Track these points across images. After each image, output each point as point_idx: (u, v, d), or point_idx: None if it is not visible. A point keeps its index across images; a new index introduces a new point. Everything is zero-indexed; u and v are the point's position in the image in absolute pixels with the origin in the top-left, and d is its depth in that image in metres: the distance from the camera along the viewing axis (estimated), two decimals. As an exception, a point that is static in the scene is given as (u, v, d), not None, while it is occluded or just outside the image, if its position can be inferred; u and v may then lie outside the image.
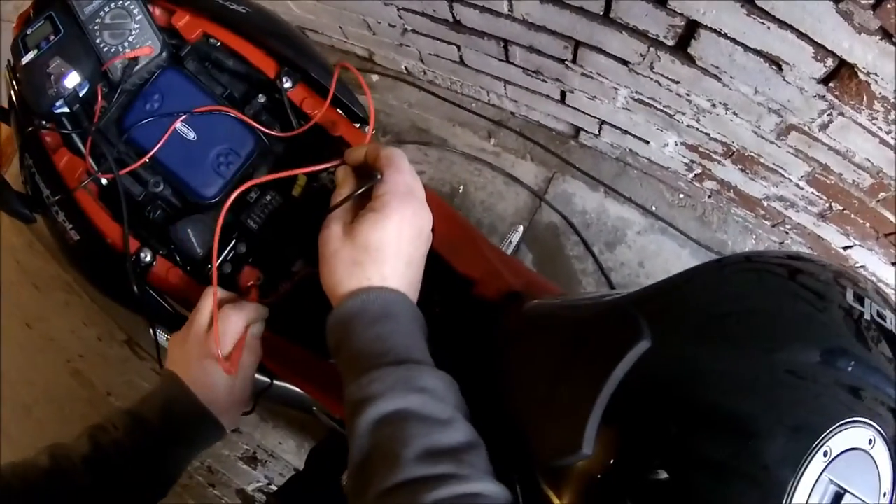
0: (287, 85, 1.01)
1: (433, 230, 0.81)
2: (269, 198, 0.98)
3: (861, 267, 1.72)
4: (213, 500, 2.17)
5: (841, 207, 1.53)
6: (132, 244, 0.94)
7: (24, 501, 0.70)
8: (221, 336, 0.80)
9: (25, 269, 2.70)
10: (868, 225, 1.52)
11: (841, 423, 0.42)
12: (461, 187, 2.17)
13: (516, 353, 0.70)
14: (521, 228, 1.97)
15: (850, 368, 0.45)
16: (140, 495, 0.77)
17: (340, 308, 0.67)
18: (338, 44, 2.37)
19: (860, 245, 1.64)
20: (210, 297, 0.83)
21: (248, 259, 0.98)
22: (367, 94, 0.97)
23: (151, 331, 0.99)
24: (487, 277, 0.88)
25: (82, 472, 0.71)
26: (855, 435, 0.42)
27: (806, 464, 0.41)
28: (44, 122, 1.03)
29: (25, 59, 1.01)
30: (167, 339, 1.02)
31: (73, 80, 1.00)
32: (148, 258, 0.94)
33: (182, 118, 1.01)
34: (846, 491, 0.42)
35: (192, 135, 1.00)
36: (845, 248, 1.71)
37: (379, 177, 0.72)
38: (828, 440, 0.42)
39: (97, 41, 1.03)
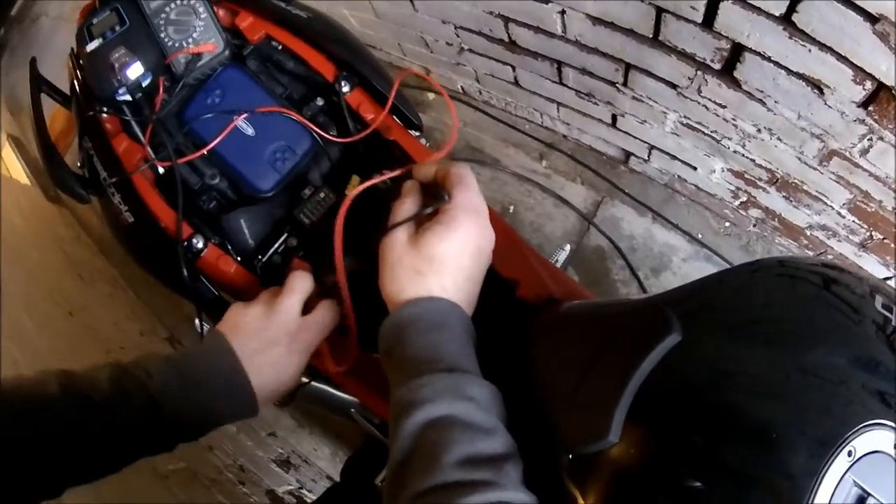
0: (345, 89, 1.04)
1: None
2: (322, 195, 1.00)
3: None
4: (241, 498, 2.21)
5: (881, 237, 1.54)
6: (185, 230, 0.97)
7: (26, 424, 0.67)
8: (321, 330, 0.82)
9: (72, 259, 2.75)
10: (907, 255, 1.54)
11: (866, 423, 0.42)
12: (511, 207, 2.21)
13: (547, 345, 0.72)
14: (567, 248, 1.98)
15: (878, 375, 0.45)
16: (149, 446, 0.75)
17: (398, 313, 0.70)
18: (395, 60, 2.43)
19: (900, 278, 1.64)
20: (305, 282, 0.83)
21: (298, 252, 1.00)
22: (452, 110, 1.04)
23: (197, 319, 1.01)
24: (530, 282, 0.88)
25: (99, 411, 0.70)
26: (880, 437, 0.43)
27: (830, 461, 0.41)
28: (104, 108, 1.06)
29: (90, 47, 1.04)
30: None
31: (136, 70, 1.03)
32: (200, 244, 0.96)
33: (243, 115, 1.03)
34: (869, 494, 0.42)
35: (250, 130, 1.03)
36: (885, 279, 1.66)
37: (447, 198, 0.74)
38: (852, 439, 0.42)
39: (161, 35, 1.06)
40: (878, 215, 1.46)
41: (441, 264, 0.71)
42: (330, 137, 1.02)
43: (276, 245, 1.00)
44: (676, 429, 0.46)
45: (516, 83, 2.06)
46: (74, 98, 1.15)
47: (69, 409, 0.69)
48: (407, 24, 2.09)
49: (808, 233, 1.78)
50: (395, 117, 1.06)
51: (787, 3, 1.06)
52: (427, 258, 0.71)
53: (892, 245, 1.52)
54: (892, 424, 0.44)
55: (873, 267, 1.70)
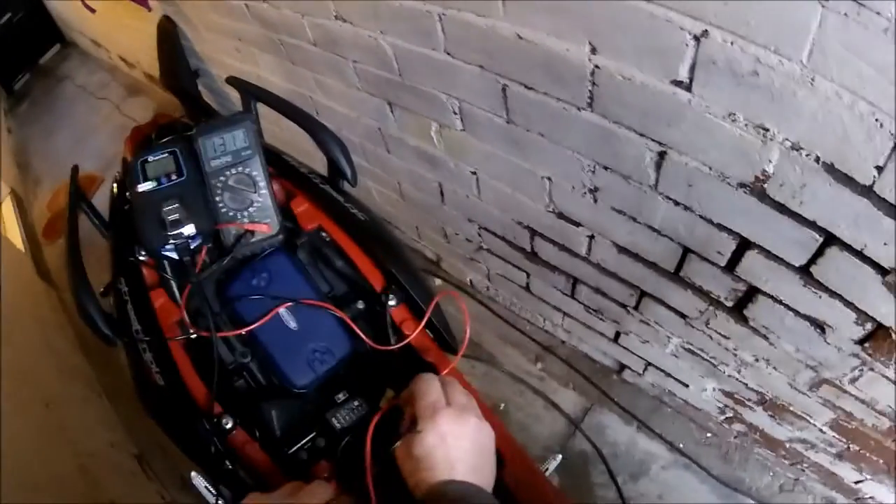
0: (391, 303, 1.07)
1: (504, 463, 0.94)
2: (356, 403, 1.03)
3: (870, 498, 1.84)
4: None
5: (858, 447, 1.62)
6: (215, 408, 0.99)
7: None
8: None
9: (52, 348, 2.62)
10: (882, 461, 1.61)
11: None
12: (502, 405, 2.36)
13: None
14: (559, 458, 1.91)
15: None
16: None
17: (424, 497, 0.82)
18: (409, 241, 2.54)
19: (871, 479, 1.74)
20: (326, 492, 0.88)
21: (325, 454, 1.01)
22: (466, 329, 1.06)
23: (200, 482, 1.01)
24: None
25: None
26: None
27: None
28: (141, 256, 1.08)
29: (142, 188, 1.04)
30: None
31: (188, 230, 1.03)
32: (229, 425, 0.98)
33: (287, 305, 1.05)
34: None
35: (293, 324, 1.05)
36: (857, 482, 1.81)
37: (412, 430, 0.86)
38: None
39: (217, 199, 1.05)
40: (857, 431, 1.55)
41: (421, 461, 0.84)
42: (373, 344, 1.05)
43: (304, 442, 1.02)
44: None
45: (527, 288, 2.21)
46: (114, 231, 1.17)
47: None
48: (431, 213, 2.23)
49: (788, 445, 1.89)
50: (431, 335, 1.12)
51: (809, 256, 1.16)
52: (414, 459, 0.85)
53: (867, 454, 1.62)
54: None
55: (847, 473, 1.81)
